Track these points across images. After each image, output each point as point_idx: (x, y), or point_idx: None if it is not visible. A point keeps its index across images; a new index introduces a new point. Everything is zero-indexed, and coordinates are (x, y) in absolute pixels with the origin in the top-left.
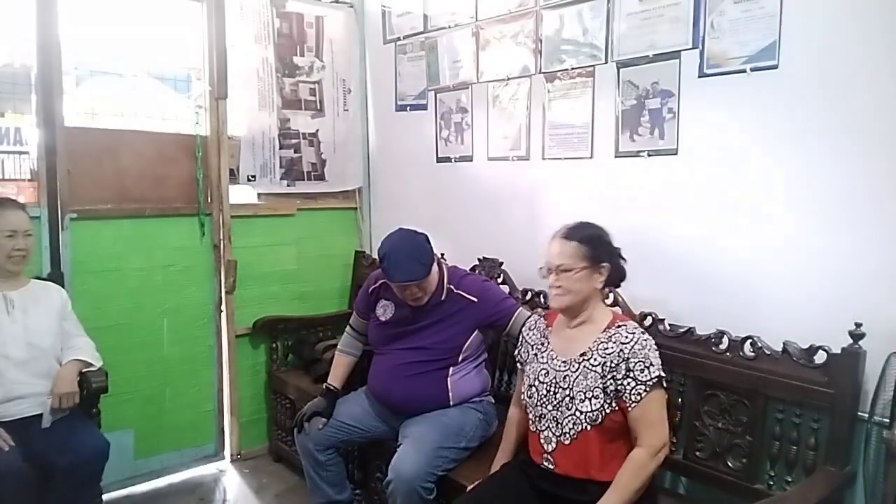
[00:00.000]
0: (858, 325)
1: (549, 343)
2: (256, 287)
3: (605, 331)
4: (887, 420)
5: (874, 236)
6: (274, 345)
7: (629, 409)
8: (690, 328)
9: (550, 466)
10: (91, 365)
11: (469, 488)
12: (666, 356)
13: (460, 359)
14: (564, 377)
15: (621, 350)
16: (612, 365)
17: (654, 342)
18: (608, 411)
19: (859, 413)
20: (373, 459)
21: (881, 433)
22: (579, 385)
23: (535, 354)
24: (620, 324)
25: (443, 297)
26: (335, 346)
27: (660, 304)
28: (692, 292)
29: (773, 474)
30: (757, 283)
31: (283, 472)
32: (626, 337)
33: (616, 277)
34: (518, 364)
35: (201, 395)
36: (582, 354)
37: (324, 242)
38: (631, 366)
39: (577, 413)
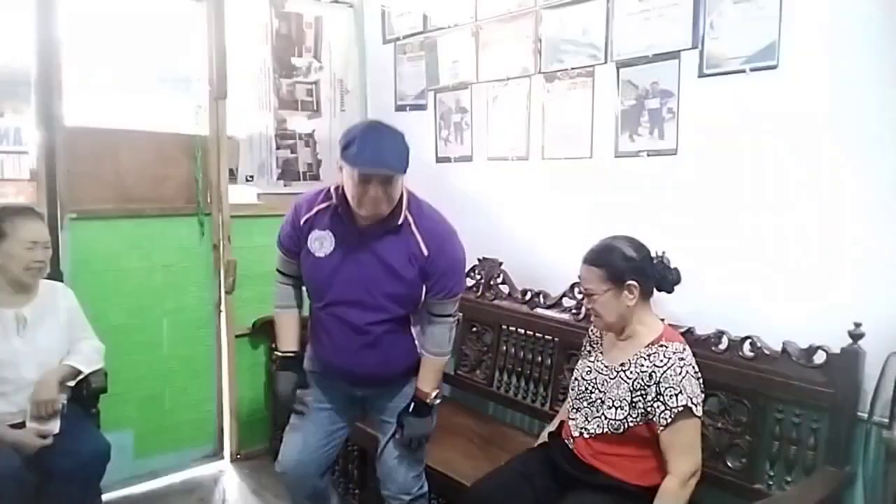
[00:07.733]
0: (858, 325)
1: (601, 344)
2: (256, 287)
3: (648, 346)
4: (887, 420)
5: (874, 236)
6: (273, 345)
7: (659, 430)
8: (690, 328)
9: (570, 446)
10: (81, 372)
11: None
12: None
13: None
14: (603, 381)
15: (653, 371)
16: (643, 383)
17: (694, 368)
18: (631, 424)
19: (859, 413)
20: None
21: (881, 433)
22: (611, 392)
23: (589, 350)
24: (665, 343)
25: (399, 222)
26: None
27: (659, 304)
28: (692, 292)
29: (772, 474)
30: (756, 282)
31: None
32: (662, 360)
33: (656, 287)
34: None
35: (201, 396)
36: (621, 364)
37: None
38: (661, 389)
39: (603, 418)
